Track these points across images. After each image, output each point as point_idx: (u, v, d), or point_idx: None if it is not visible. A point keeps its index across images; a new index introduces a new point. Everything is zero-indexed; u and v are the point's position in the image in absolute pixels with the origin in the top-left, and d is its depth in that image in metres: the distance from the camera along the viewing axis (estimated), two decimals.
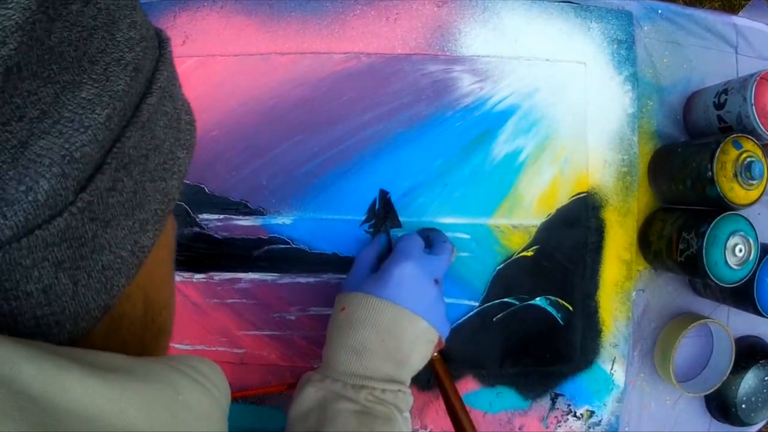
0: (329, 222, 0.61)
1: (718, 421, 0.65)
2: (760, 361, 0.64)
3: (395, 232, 0.61)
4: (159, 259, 0.26)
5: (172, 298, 0.29)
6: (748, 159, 0.53)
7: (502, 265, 0.62)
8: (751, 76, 0.55)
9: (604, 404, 0.64)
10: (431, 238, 0.57)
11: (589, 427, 0.64)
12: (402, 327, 0.48)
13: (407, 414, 0.49)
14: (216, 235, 0.62)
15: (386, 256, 0.54)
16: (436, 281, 0.52)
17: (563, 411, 0.63)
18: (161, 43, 0.24)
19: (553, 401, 0.63)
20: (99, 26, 0.20)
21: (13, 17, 0.16)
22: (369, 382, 0.47)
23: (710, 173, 0.54)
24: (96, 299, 0.21)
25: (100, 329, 0.22)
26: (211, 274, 0.62)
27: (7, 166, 0.17)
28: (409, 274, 0.50)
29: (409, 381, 0.50)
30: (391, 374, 0.48)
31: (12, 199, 0.17)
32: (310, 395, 0.48)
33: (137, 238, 0.22)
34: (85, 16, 0.19)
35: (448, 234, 0.61)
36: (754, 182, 0.54)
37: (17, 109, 0.17)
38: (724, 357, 0.63)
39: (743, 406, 0.63)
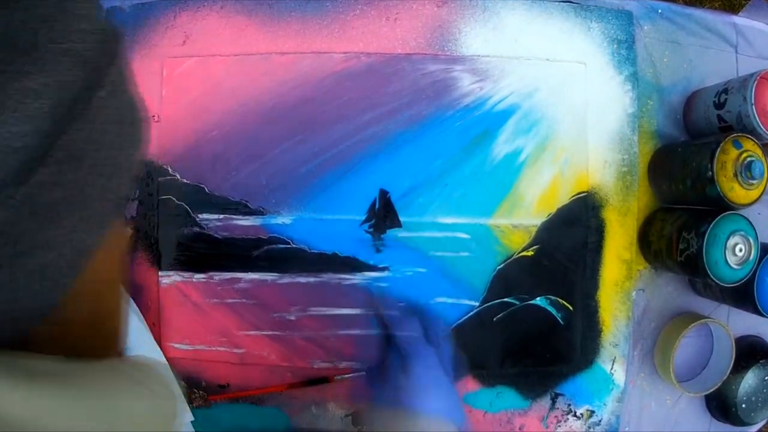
0: (329, 222, 0.61)
1: (718, 421, 0.65)
2: (760, 361, 0.63)
3: (397, 232, 0.61)
4: (107, 263, 0.25)
5: (123, 305, 0.28)
6: (748, 159, 0.53)
7: (502, 265, 0.62)
8: (751, 75, 0.55)
9: (604, 404, 0.64)
10: (424, 323, 0.56)
11: (589, 427, 0.64)
12: None
13: None
14: (216, 235, 0.62)
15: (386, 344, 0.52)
16: (447, 372, 0.51)
17: (563, 411, 0.63)
18: (116, 37, 0.24)
19: (553, 401, 0.63)
20: (50, 15, 0.19)
21: None
22: None
23: (710, 173, 0.54)
24: (36, 299, 0.20)
25: (44, 332, 0.21)
26: (211, 274, 0.62)
27: None
28: (426, 378, 0.48)
29: None
30: None
31: None
32: None
33: (81, 236, 0.21)
34: (37, 4, 0.19)
35: (448, 234, 0.61)
36: (754, 182, 0.54)
37: None
38: (724, 357, 0.63)
39: (743, 405, 0.63)
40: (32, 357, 0.20)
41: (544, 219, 0.62)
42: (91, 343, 0.25)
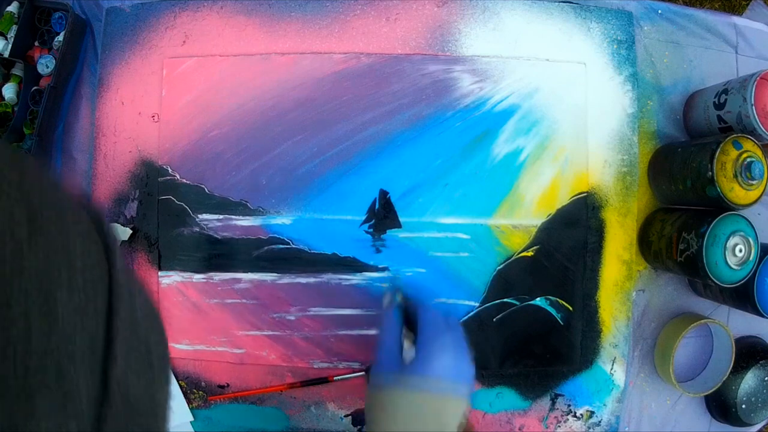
0: (329, 222, 0.61)
1: (718, 421, 0.65)
2: (760, 361, 0.63)
3: (397, 232, 0.61)
4: None
5: None
6: (748, 159, 0.53)
7: (502, 265, 0.62)
8: (751, 76, 0.55)
9: (604, 404, 0.64)
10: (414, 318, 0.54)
11: (589, 428, 0.64)
12: (448, 416, 0.46)
13: None
14: (216, 235, 0.62)
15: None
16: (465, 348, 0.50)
17: (563, 411, 0.63)
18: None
19: (553, 401, 0.63)
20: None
21: None
22: None
23: (710, 173, 0.54)
24: None
25: None
26: (211, 274, 0.62)
27: None
28: (451, 353, 0.47)
29: None
30: None
31: None
32: None
33: None
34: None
35: (448, 234, 0.61)
36: (754, 182, 0.54)
37: None
38: (724, 357, 0.63)
39: (743, 406, 0.63)
40: None
41: (544, 219, 0.62)
42: None
